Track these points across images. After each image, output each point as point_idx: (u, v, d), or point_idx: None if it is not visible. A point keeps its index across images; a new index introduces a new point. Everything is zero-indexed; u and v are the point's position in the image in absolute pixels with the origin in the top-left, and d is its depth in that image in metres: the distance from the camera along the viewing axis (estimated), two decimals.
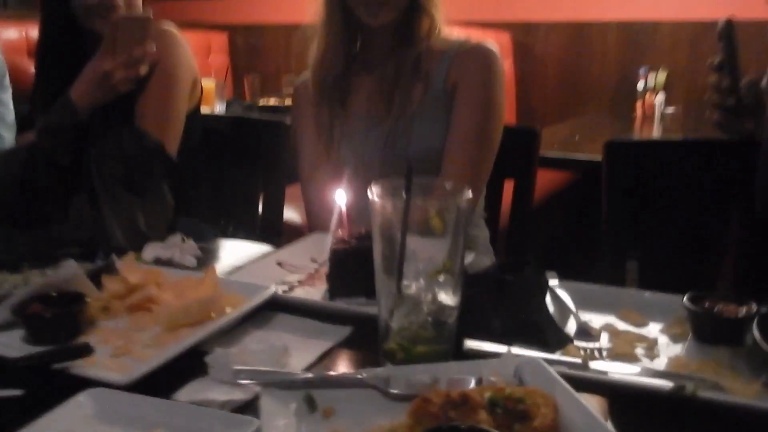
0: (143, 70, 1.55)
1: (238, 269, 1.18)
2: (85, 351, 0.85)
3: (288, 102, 3.38)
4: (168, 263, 1.21)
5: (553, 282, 1.04)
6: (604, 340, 0.92)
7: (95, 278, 1.03)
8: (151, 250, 1.25)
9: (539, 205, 2.43)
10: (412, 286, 0.83)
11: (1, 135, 2.13)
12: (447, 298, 0.83)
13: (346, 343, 0.95)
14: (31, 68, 1.90)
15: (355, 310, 1.00)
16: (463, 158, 1.49)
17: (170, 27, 1.73)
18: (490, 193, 1.71)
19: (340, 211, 1.11)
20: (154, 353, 0.87)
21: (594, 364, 0.83)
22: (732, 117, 1.33)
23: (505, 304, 0.92)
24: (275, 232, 1.87)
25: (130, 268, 1.04)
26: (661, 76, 3.67)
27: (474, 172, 1.51)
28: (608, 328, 0.95)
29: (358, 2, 1.47)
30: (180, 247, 1.26)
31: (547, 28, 4.07)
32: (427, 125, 1.51)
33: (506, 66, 3.93)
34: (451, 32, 1.57)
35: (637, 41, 3.87)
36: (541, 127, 1.85)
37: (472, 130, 1.50)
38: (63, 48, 1.73)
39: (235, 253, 1.33)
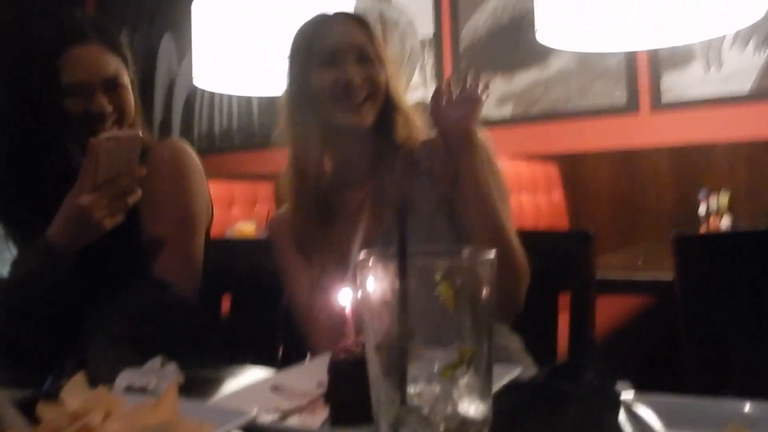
0: (133, 200, 1.26)
1: (221, 397, 0.94)
2: None
3: None
4: (141, 392, 0.98)
5: (627, 394, 0.77)
6: None
7: (29, 407, 0.80)
8: (124, 378, 1.02)
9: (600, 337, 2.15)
10: (422, 394, 0.58)
11: None
12: (471, 407, 0.58)
13: None
14: None
15: None
16: None
17: (182, 143, 1.48)
18: (543, 310, 1.46)
19: (345, 315, 0.88)
20: None
21: None
22: None
23: (558, 421, 0.66)
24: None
25: (73, 393, 0.81)
26: (724, 198, 3.47)
27: None
28: None
29: (335, 100, 1.31)
30: (158, 373, 1.02)
31: (594, 158, 3.91)
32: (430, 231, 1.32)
33: (556, 197, 3.78)
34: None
35: (692, 165, 3.67)
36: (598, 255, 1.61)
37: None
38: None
39: (233, 380, 1.10)
